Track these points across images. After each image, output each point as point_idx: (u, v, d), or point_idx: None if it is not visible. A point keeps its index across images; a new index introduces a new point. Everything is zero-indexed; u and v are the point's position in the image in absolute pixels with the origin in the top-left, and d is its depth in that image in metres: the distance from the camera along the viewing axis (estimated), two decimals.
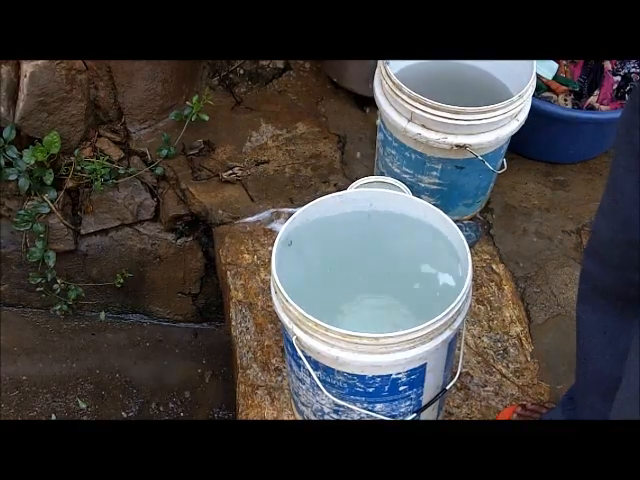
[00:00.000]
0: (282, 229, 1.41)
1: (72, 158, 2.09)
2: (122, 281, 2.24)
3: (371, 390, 1.36)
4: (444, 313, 1.28)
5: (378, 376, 1.33)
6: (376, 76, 1.88)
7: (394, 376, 1.33)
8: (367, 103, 2.24)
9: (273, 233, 1.99)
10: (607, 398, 1.18)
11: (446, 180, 1.87)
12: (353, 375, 1.33)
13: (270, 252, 1.39)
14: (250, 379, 1.73)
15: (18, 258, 2.20)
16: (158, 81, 2.13)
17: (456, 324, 1.33)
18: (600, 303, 1.26)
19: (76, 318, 2.34)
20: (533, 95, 1.84)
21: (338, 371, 1.34)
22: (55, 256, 2.14)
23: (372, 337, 1.25)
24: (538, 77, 2.08)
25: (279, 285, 1.32)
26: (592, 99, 2.12)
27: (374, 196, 1.51)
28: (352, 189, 1.85)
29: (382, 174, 1.97)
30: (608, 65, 2.15)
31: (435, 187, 1.89)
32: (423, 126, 1.76)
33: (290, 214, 1.50)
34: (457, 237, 1.40)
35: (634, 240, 1.10)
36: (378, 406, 1.39)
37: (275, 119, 2.28)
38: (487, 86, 1.94)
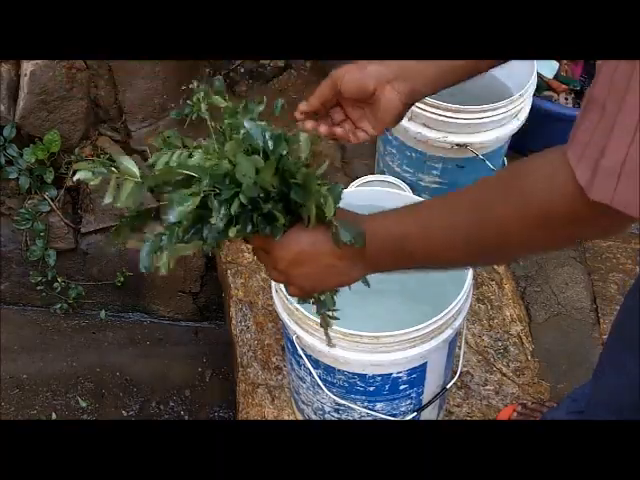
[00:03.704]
0: None
1: (72, 156, 2.09)
2: (122, 280, 2.24)
3: (372, 389, 1.36)
4: (444, 312, 1.28)
5: (379, 375, 1.33)
6: None
7: (394, 375, 1.33)
8: None
9: None
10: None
11: (446, 179, 1.87)
12: (354, 374, 1.33)
13: None
14: (250, 378, 1.74)
15: (18, 257, 2.20)
16: (159, 80, 2.13)
17: (456, 323, 1.33)
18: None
19: (76, 317, 2.34)
20: (534, 94, 1.84)
21: (339, 370, 1.34)
22: (55, 255, 2.14)
23: (372, 336, 1.25)
24: (539, 76, 2.08)
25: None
26: None
27: (374, 195, 1.51)
28: (353, 188, 1.85)
29: (383, 173, 1.97)
30: None
31: (435, 186, 1.89)
32: (424, 125, 1.76)
33: None
34: None
35: None
36: (378, 405, 1.40)
37: (275, 118, 2.28)
38: (488, 85, 1.93)
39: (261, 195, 0.82)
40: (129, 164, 0.88)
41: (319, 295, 0.97)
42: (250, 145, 0.86)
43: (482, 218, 0.79)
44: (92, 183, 0.87)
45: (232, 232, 0.83)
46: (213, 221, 0.81)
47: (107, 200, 0.87)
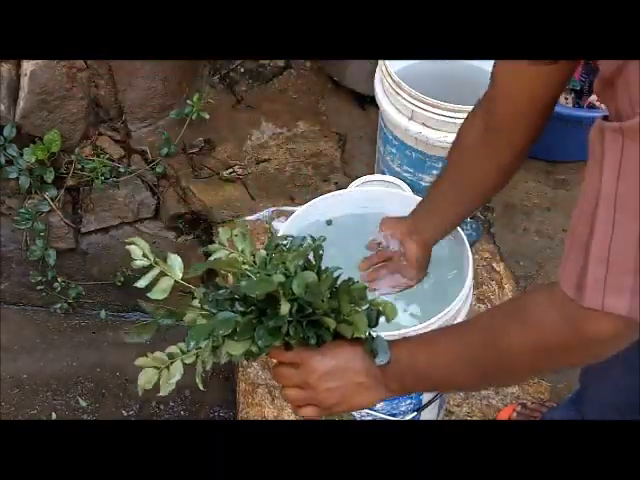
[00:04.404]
0: (282, 228, 1.41)
1: (72, 156, 2.09)
2: (122, 280, 2.24)
3: None
4: (444, 312, 1.28)
5: None
6: (377, 75, 1.87)
7: None
8: (367, 101, 2.23)
9: None
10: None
11: None
12: None
13: None
14: (250, 377, 1.74)
15: (19, 256, 2.20)
16: (159, 79, 2.13)
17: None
18: None
19: (77, 316, 2.34)
20: None
21: None
22: (55, 254, 2.14)
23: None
24: None
25: None
26: (593, 97, 2.12)
27: (375, 195, 1.51)
28: (353, 188, 1.85)
29: (383, 173, 1.97)
30: None
31: None
32: (424, 125, 1.76)
33: (291, 213, 1.50)
34: (458, 235, 1.39)
35: None
36: (378, 405, 1.39)
37: (275, 117, 2.28)
38: (487, 85, 1.93)
39: (313, 307, 0.90)
40: (175, 262, 0.94)
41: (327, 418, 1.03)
42: (308, 263, 0.94)
43: (489, 351, 0.89)
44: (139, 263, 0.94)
45: (292, 330, 0.90)
46: (282, 311, 0.87)
47: (141, 284, 0.92)
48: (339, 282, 0.94)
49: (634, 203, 0.70)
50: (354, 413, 1.40)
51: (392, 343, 0.96)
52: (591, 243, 0.75)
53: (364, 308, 0.95)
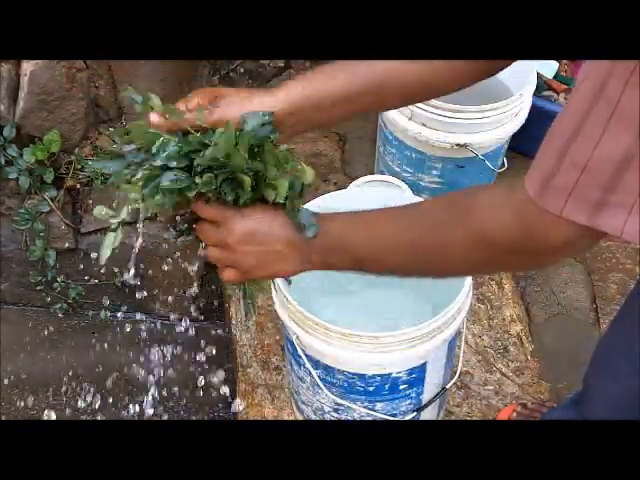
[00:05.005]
0: None
1: (72, 157, 2.09)
2: (122, 280, 2.24)
3: (371, 389, 1.36)
4: (444, 312, 1.28)
5: (378, 375, 1.33)
6: None
7: (394, 375, 1.34)
8: None
9: None
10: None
11: (446, 179, 1.87)
12: (353, 374, 1.33)
13: None
14: (250, 378, 1.74)
15: (18, 256, 2.20)
16: (158, 80, 2.13)
17: (456, 323, 1.33)
18: None
19: (76, 317, 2.33)
20: (533, 94, 1.84)
21: (338, 370, 1.34)
22: (55, 255, 2.14)
23: (372, 336, 1.25)
24: (539, 76, 2.08)
25: (279, 283, 1.32)
26: None
27: (374, 195, 1.51)
28: (352, 188, 1.85)
29: (382, 173, 1.97)
30: None
31: (435, 186, 1.89)
32: (423, 125, 1.76)
33: None
34: None
35: None
36: (378, 405, 1.40)
37: None
38: (487, 85, 1.93)
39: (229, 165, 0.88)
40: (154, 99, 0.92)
41: (249, 285, 1.02)
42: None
43: (429, 238, 0.84)
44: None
45: (198, 179, 0.89)
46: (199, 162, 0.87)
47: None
48: (264, 145, 0.91)
49: (634, 115, 0.66)
50: (355, 416, 1.41)
51: (322, 216, 0.92)
52: (572, 144, 0.71)
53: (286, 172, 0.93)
